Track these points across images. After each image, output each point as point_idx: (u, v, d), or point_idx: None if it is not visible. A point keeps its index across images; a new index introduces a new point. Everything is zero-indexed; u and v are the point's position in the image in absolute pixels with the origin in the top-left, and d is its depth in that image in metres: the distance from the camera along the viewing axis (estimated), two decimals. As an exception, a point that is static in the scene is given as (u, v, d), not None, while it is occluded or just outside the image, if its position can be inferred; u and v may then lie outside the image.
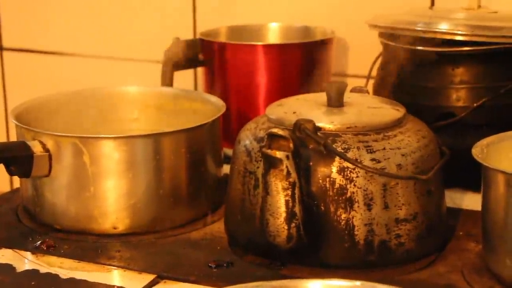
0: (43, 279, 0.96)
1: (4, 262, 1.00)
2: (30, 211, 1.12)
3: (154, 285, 0.95)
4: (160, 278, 0.97)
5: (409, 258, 0.97)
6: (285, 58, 1.33)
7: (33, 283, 0.95)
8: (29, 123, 1.12)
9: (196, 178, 1.11)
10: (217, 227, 1.09)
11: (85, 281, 0.96)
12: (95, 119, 1.25)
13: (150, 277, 0.96)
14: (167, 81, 1.35)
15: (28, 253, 1.03)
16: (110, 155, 1.05)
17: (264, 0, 1.51)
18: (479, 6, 1.23)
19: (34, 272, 0.98)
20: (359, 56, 1.43)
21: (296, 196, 0.92)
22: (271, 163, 0.92)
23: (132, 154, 1.06)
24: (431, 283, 0.94)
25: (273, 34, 1.47)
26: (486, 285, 0.93)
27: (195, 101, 1.24)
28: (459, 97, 1.18)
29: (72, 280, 0.96)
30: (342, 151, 0.94)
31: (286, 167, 0.91)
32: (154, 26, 1.59)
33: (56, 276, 0.97)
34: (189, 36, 1.50)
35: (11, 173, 1.07)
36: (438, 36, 1.15)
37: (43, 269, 0.98)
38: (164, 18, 1.58)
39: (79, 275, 0.97)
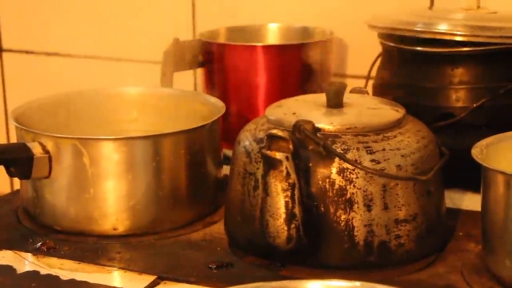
0: (43, 281, 0.96)
1: (4, 263, 1.00)
2: (30, 212, 1.12)
3: (154, 286, 0.95)
4: (160, 279, 0.97)
5: (408, 259, 0.97)
6: (284, 59, 1.33)
7: (33, 284, 0.95)
8: (29, 124, 1.12)
9: (196, 179, 1.11)
10: (217, 228, 1.09)
11: (85, 282, 0.95)
12: (95, 120, 1.25)
13: (150, 278, 0.96)
14: (167, 82, 1.35)
15: (29, 254, 1.03)
16: (110, 157, 1.05)
17: (263, 1, 1.51)
18: (479, 7, 1.23)
19: (35, 273, 0.98)
20: (359, 56, 1.43)
21: (296, 197, 0.92)
22: (270, 164, 0.92)
23: (132, 156, 1.06)
24: (430, 284, 0.94)
25: (273, 35, 1.47)
26: (486, 286, 0.93)
27: (195, 102, 1.24)
28: (458, 97, 1.18)
29: (72, 282, 0.96)
30: (342, 152, 0.94)
31: (286, 168, 0.91)
32: (154, 27, 1.59)
33: (56, 277, 0.97)
34: (189, 37, 1.50)
35: (11, 175, 1.07)
36: (438, 36, 1.15)
37: (43, 271, 0.98)
38: (164, 19, 1.58)
39: (80, 276, 0.97)
